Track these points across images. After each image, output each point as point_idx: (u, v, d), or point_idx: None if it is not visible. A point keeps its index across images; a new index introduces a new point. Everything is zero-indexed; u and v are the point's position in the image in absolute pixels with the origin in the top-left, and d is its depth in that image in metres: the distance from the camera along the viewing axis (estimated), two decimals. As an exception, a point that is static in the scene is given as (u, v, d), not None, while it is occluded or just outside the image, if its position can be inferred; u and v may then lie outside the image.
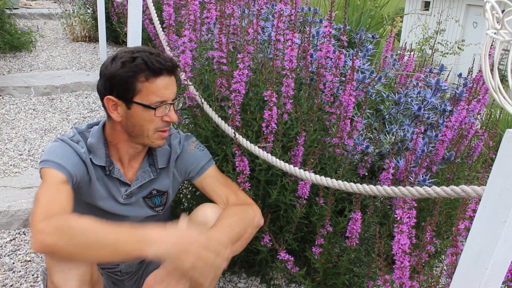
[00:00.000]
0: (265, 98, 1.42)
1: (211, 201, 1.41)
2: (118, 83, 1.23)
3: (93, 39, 5.47)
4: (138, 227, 1.05)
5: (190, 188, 1.88)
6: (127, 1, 2.10)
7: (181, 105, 1.36)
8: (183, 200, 1.88)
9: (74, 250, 1.02)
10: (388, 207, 1.65)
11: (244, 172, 1.44)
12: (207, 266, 1.08)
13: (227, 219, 1.27)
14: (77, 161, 1.27)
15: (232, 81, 1.46)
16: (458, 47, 7.98)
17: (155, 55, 1.25)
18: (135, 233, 1.03)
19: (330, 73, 1.60)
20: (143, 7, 2.09)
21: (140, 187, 1.39)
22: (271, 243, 1.49)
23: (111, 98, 1.25)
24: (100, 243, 1.01)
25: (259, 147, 1.41)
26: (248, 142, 1.42)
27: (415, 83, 1.99)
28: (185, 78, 1.56)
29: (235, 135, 1.41)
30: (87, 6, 5.37)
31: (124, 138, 1.32)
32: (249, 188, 1.46)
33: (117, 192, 1.36)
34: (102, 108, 3.07)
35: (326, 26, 1.56)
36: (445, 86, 1.87)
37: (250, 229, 1.31)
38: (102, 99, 1.28)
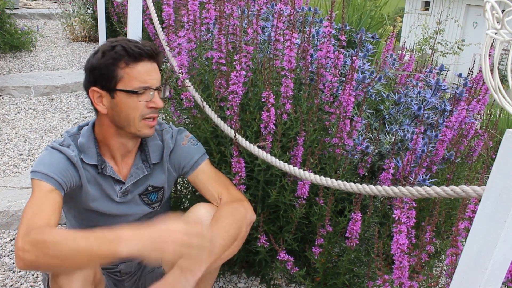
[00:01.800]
0: (263, 99, 1.42)
1: (206, 200, 1.41)
2: (100, 73, 1.25)
3: (93, 39, 5.47)
4: (110, 229, 1.05)
5: (190, 188, 1.87)
6: (127, 1, 2.10)
7: (167, 93, 1.36)
8: (183, 199, 1.87)
9: (53, 262, 1.03)
10: (388, 207, 1.64)
11: (240, 174, 1.44)
12: (191, 248, 1.05)
13: (221, 222, 1.27)
14: (66, 167, 1.26)
15: (230, 82, 1.46)
16: (458, 47, 7.97)
17: (134, 42, 1.26)
18: (107, 235, 1.03)
19: (329, 73, 1.60)
20: (143, 7, 2.10)
21: (135, 184, 1.38)
22: (268, 243, 1.49)
23: (95, 89, 1.26)
24: (74, 251, 1.02)
25: (257, 146, 1.40)
26: (247, 142, 1.41)
27: (415, 83, 1.99)
28: (182, 80, 1.56)
29: (235, 136, 1.40)
30: (87, 6, 5.37)
31: (112, 132, 1.31)
32: (245, 190, 1.45)
33: (111, 190, 1.36)
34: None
35: (326, 26, 1.56)
36: (445, 86, 1.87)
37: (244, 227, 1.31)
38: (88, 94, 1.29)
